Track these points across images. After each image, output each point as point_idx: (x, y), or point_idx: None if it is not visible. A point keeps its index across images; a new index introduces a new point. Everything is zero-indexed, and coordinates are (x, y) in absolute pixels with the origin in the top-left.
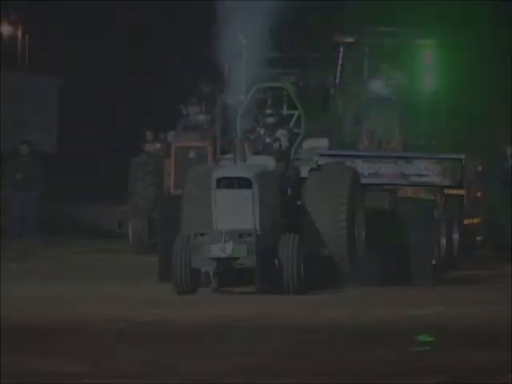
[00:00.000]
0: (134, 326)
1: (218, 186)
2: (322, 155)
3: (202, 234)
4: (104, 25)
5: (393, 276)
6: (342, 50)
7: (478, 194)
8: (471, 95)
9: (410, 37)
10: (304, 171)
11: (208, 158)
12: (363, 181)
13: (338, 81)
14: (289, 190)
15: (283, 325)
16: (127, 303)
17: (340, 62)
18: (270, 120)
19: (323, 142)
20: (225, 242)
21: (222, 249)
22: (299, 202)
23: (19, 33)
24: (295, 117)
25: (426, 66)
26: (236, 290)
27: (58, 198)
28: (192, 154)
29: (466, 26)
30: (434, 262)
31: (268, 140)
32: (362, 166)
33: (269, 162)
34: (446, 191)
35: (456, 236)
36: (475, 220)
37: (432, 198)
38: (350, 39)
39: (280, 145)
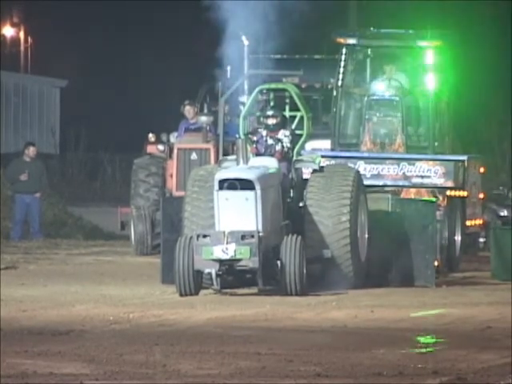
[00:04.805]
0: (135, 327)
1: (220, 188)
2: (325, 157)
3: (205, 236)
4: (104, 25)
5: (395, 277)
6: (344, 51)
7: (481, 196)
8: (473, 96)
9: (411, 38)
10: (306, 173)
11: (210, 160)
12: (365, 182)
13: (340, 82)
14: (291, 191)
15: (285, 326)
16: (129, 304)
17: (342, 63)
18: (273, 121)
19: (326, 144)
20: (227, 243)
21: (225, 250)
22: (301, 204)
23: (21, 34)
24: (297, 118)
25: (428, 68)
26: (238, 291)
27: (59, 199)
28: (194, 156)
29: (468, 27)
30: (435, 263)
31: (270, 141)
32: (364, 168)
33: (271, 163)
34: (449, 192)
35: (458, 237)
36: (477, 221)
37: (434, 200)
38: (352, 41)
39: (282, 146)
